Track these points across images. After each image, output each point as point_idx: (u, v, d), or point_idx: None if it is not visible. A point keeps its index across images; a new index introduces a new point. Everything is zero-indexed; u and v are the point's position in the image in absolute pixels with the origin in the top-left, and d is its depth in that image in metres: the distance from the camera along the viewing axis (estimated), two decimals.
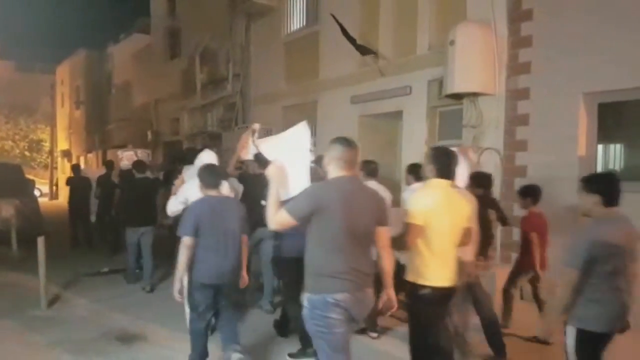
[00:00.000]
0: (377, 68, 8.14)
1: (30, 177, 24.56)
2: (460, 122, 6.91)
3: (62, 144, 31.00)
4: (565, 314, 2.90)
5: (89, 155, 25.68)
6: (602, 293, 2.80)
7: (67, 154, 29.85)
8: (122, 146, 21.38)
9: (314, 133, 9.91)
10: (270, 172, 2.93)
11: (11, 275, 7.17)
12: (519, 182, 6.07)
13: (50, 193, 26.49)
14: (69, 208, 10.36)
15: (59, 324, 5.10)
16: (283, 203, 2.80)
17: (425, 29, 7.60)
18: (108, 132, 23.80)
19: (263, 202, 3.31)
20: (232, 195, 4.72)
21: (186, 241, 3.62)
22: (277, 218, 2.73)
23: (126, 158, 10.44)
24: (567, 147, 5.75)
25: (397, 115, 8.10)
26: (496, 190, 6.46)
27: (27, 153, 37.33)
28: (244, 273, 3.97)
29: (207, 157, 4.68)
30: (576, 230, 2.91)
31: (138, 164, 7.43)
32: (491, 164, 6.57)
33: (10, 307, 5.66)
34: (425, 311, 3.07)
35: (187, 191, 4.50)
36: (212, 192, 3.84)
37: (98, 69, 25.93)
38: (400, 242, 3.00)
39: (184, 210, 4.08)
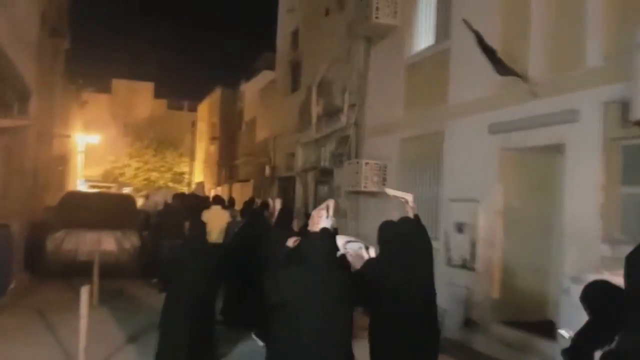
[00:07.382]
0: (526, 88, 6.12)
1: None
2: None
3: (199, 177, 32.91)
4: None
5: (218, 188, 26.52)
6: None
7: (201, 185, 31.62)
8: (246, 180, 21.72)
9: (439, 171, 8.10)
10: None
11: None
12: None
13: None
14: None
15: None
16: None
17: (596, 31, 5.46)
18: (235, 167, 24.40)
19: None
20: None
21: None
22: None
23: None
24: None
25: (556, 149, 5.95)
26: None
27: (170, 184, 40.91)
28: None
29: None
30: None
31: None
32: None
33: None
34: None
35: None
36: None
37: (231, 106, 27.13)
38: None
39: None
